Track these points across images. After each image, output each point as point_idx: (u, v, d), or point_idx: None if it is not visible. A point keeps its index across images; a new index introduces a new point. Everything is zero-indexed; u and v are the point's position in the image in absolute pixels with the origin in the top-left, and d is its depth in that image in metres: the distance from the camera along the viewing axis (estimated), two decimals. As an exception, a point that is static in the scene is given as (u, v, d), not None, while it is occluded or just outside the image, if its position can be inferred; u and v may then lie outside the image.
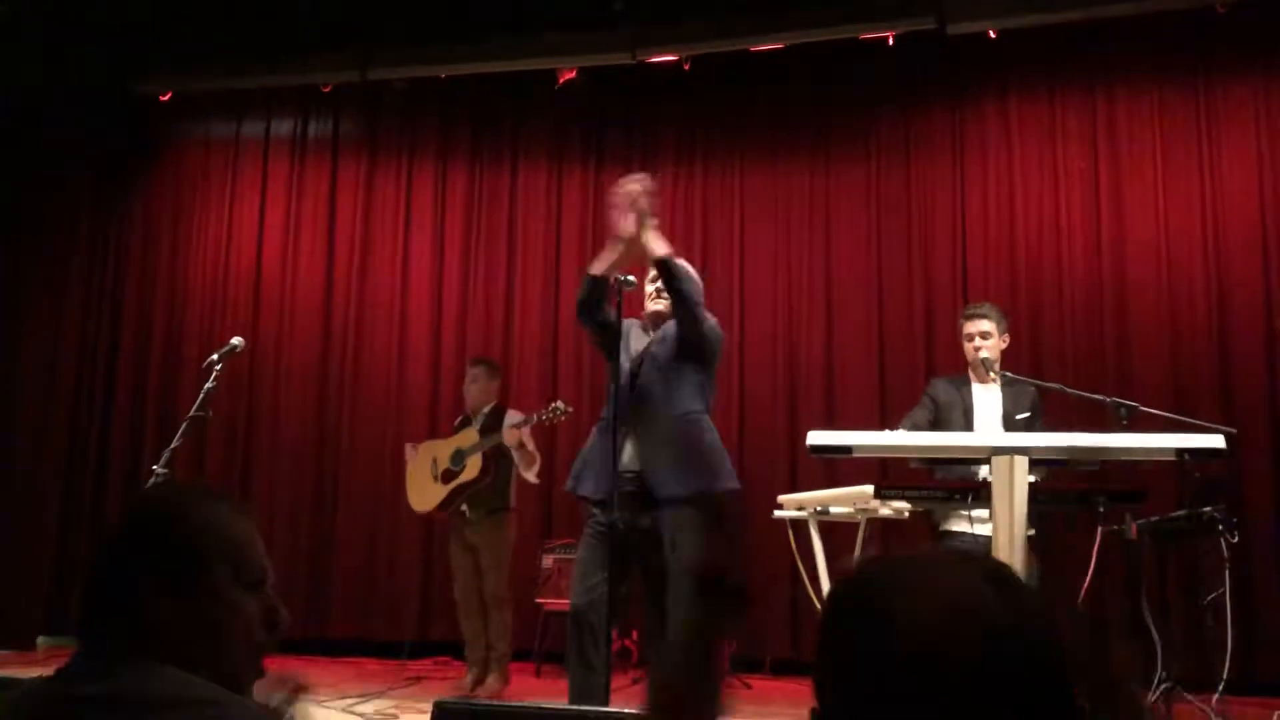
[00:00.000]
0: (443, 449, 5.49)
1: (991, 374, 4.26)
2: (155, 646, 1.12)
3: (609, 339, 3.63)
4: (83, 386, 7.17)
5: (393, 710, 4.63)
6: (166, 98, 7.17)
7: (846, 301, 6.47)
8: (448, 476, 5.38)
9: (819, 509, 4.17)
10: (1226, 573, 4.13)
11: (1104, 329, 6.00)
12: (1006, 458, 3.18)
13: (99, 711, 1.07)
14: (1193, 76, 6.07)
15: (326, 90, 7.05)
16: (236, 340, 4.09)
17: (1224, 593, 4.11)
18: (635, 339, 3.67)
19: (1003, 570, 0.86)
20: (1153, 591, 4.24)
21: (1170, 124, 6.08)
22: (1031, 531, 3.85)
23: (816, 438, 3.38)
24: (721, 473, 3.52)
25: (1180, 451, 3.21)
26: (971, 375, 4.37)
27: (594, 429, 3.71)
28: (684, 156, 6.89)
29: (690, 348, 3.55)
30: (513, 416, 5.43)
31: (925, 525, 4.66)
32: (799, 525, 4.32)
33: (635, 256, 3.66)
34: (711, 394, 3.68)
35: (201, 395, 3.73)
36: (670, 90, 6.73)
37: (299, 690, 1.40)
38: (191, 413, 3.69)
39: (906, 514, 4.15)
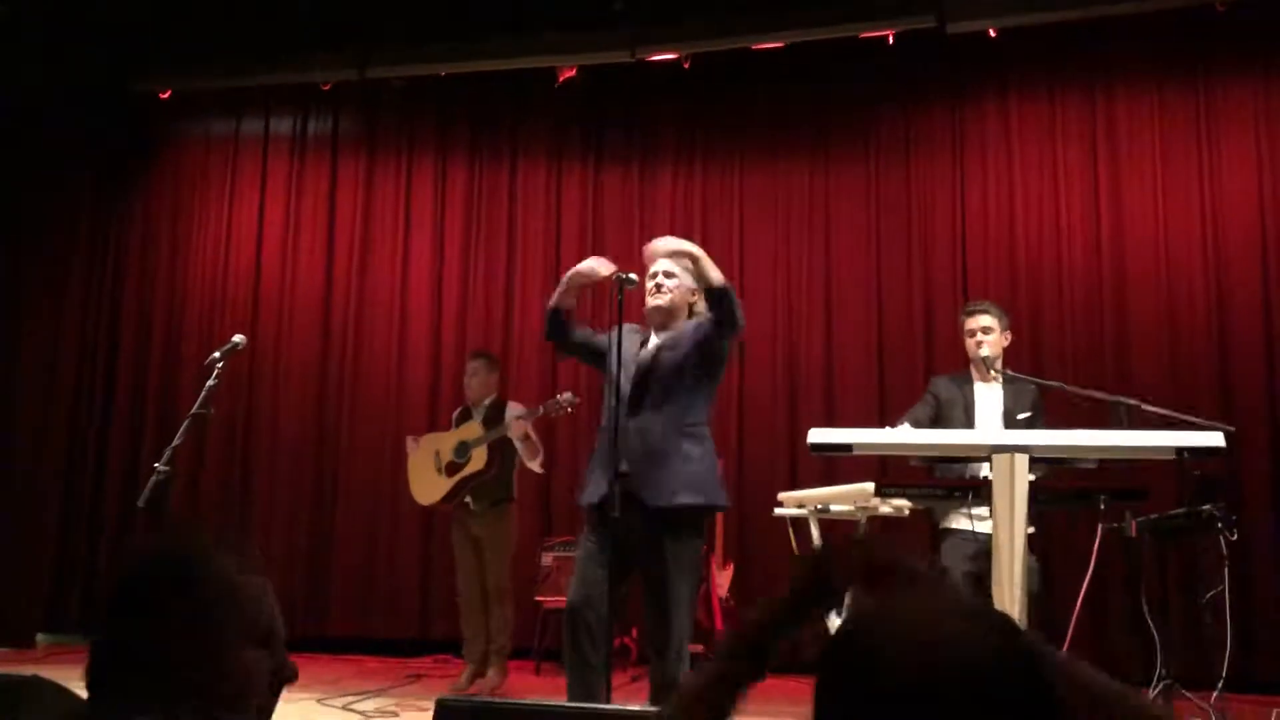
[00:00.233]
0: (445, 441, 5.51)
1: (993, 372, 4.27)
2: (160, 701, 1.12)
3: (587, 354, 3.68)
4: (82, 385, 7.17)
5: (393, 708, 4.64)
6: (166, 96, 7.17)
7: (846, 300, 6.48)
8: (452, 469, 5.40)
9: (819, 507, 4.17)
10: (1225, 570, 4.13)
11: (1103, 327, 6.01)
12: (1007, 456, 3.19)
13: None
14: (1192, 75, 6.08)
15: (326, 89, 7.05)
16: (238, 338, 4.09)
17: (1223, 590, 4.11)
18: (630, 342, 3.60)
19: (995, 615, 0.87)
20: (1152, 589, 4.25)
21: (1170, 123, 6.09)
22: (1032, 530, 3.86)
23: (817, 435, 3.38)
24: (709, 490, 3.47)
25: (1179, 449, 3.20)
26: (973, 373, 4.38)
27: (597, 432, 3.68)
28: (683, 155, 6.89)
29: (711, 363, 3.54)
30: (514, 408, 5.46)
31: (926, 523, 4.67)
32: (799, 523, 4.33)
33: (584, 289, 3.70)
34: (713, 404, 3.67)
35: (203, 393, 3.72)
36: (670, 89, 6.73)
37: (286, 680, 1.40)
38: (194, 410, 3.69)
39: (907, 512, 4.15)
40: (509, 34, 6.48)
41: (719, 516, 5.76)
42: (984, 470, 3.45)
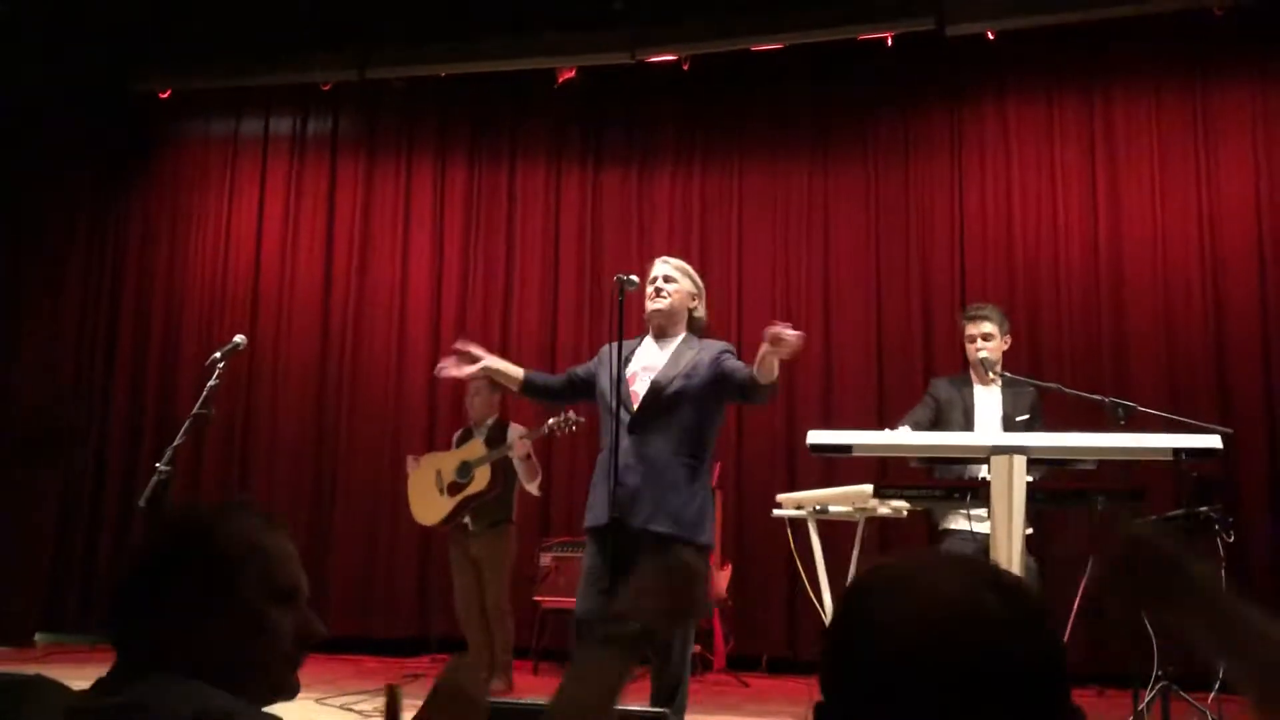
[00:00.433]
0: (447, 461, 5.48)
1: (991, 374, 4.28)
2: (183, 659, 1.13)
3: (578, 395, 3.79)
4: (81, 385, 7.18)
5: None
6: (166, 96, 7.19)
7: (845, 301, 6.49)
8: (454, 489, 5.37)
9: (818, 508, 4.17)
10: (1222, 572, 4.14)
11: (1101, 329, 6.03)
12: (1005, 457, 3.20)
13: None
14: (1190, 78, 6.10)
15: (326, 89, 7.06)
16: (239, 338, 4.09)
17: (1220, 592, 4.12)
18: (648, 352, 3.59)
19: (1000, 574, 0.87)
20: (1149, 590, 4.25)
21: (1167, 125, 6.11)
22: (1030, 530, 3.87)
23: (817, 437, 3.39)
24: (700, 528, 3.43)
25: (1177, 451, 3.22)
26: (972, 375, 4.39)
27: (598, 458, 3.63)
28: (683, 156, 6.90)
29: (722, 402, 3.57)
30: (517, 429, 5.44)
31: (925, 524, 4.68)
32: (797, 524, 4.33)
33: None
34: (717, 437, 3.65)
35: (204, 393, 3.73)
36: (669, 90, 6.75)
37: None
38: (195, 410, 3.70)
39: (905, 513, 4.16)
40: (508, 35, 6.49)
41: (718, 517, 5.77)
42: (983, 472, 3.46)
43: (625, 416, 3.46)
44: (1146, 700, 3.85)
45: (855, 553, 4.13)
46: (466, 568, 5.41)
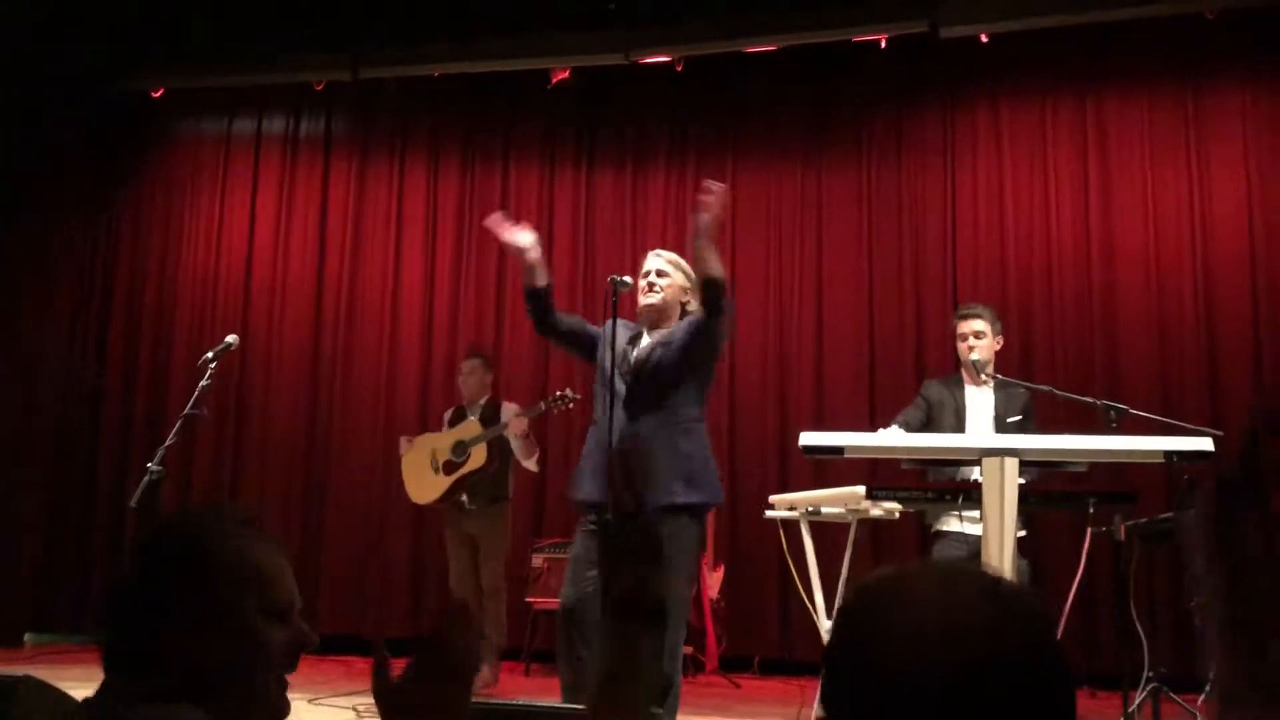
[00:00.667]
0: (441, 441, 5.51)
1: (984, 376, 4.28)
2: (176, 683, 1.10)
3: (576, 345, 3.69)
4: (71, 384, 7.15)
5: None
6: (158, 94, 7.16)
7: (837, 302, 6.50)
8: (450, 468, 5.41)
9: (810, 509, 4.18)
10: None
11: (1093, 331, 6.04)
12: (997, 459, 3.20)
13: None
14: (1181, 82, 6.12)
15: (319, 88, 7.04)
16: (231, 338, 4.09)
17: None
18: (625, 338, 3.62)
19: (1001, 583, 0.86)
20: (1141, 592, 4.27)
21: (1159, 128, 6.13)
22: (1023, 533, 3.88)
23: (809, 438, 3.39)
24: (706, 486, 3.48)
25: (1168, 454, 3.23)
26: (965, 377, 4.39)
27: (589, 430, 3.70)
28: (676, 157, 6.90)
29: (700, 356, 3.55)
30: (511, 407, 5.47)
31: (917, 526, 4.69)
32: (790, 526, 4.34)
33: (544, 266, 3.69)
34: (707, 396, 3.68)
35: (196, 393, 3.72)
36: (663, 91, 6.75)
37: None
38: (186, 410, 3.69)
39: (898, 514, 4.17)
40: (502, 35, 6.48)
41: (711, 518, 5.78)
42: (975, 474, 3.47)
43: (621, 389, 3.48)
44: (1137, 702, 3.86)
45: (848, 554, 4.14)
46: (462, 548, 5.45)
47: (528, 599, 5.98)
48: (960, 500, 3.55)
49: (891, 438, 3.75)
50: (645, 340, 3.63)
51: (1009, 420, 4.22)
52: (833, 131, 6.71)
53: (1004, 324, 4.61)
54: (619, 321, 3.64)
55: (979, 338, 4.33)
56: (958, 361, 4.47)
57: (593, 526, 3.44)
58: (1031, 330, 6.12)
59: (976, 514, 3.45)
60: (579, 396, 5.20)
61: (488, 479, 5.39)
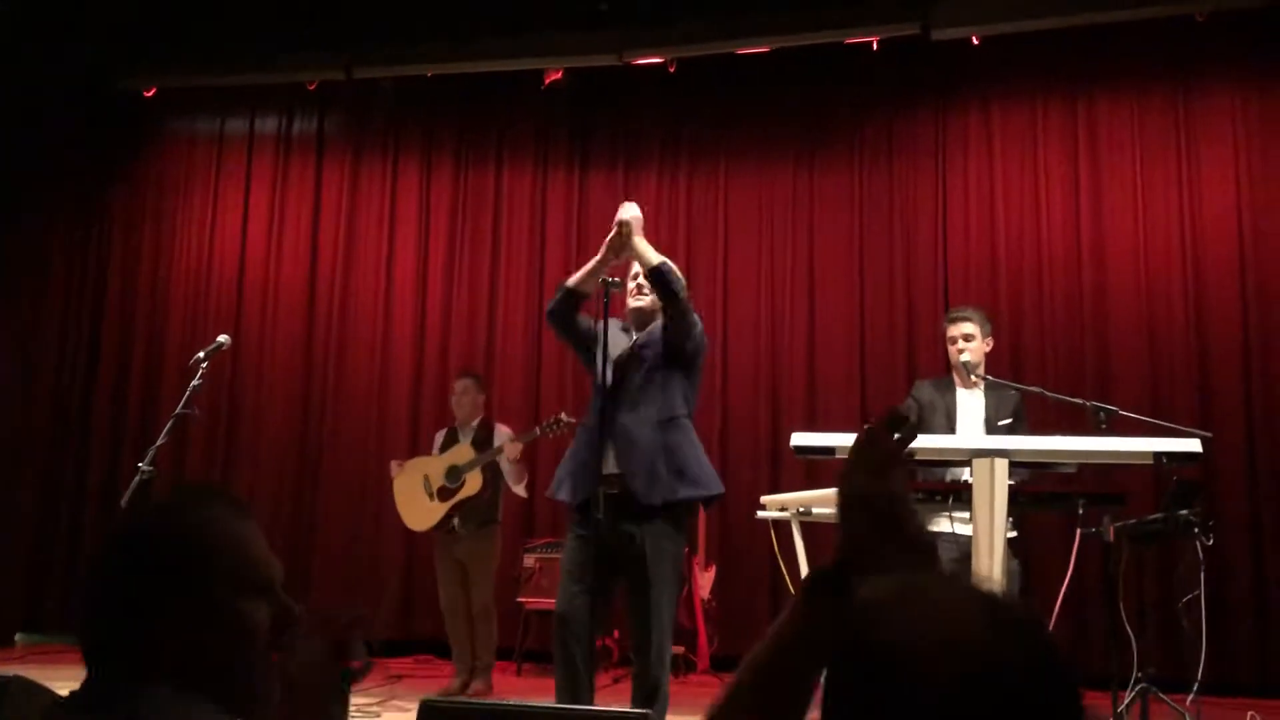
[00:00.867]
0: (434, 466, 5.44)
1: (974, 377, 4.29)
2: (161, 669, 1.06)
3: (581, 345, 3.66)
4: (63, 384, 7.13)
5: (375, 708, 4.63)
6: (151, 94, 7.15)
7: (829, 303, 6.51)
8: (445, 494, 5.35)
9: (801, 510, 4.18)
10: (1202, 575, 4.17)
11: (1083, 333, 6.06)
12: (987, 460, 3.21)
13: None
14: (1172, 84, 6.14)
15: (312, 88, 7.04)
16: (223, 338, 4.08)
17: (1199, 595, 4.15)
18: (616, 338, 3.63)
19: (999, 596, 0.85)
20: (1130, 593, 4.29)
21: (1150, 130, 6.15)
22: (1014, 534, 3.89)
23: (800, 439, 3.40)
24: (701, 480, 3.50)
25: (1157, 455, 3.24)
26: (955, 379, 4.40)
27: (578, 429, 3.71)
28: (669, 158, 6.91)
29: (678, 351, 3.56)
30: (503, 432, 5.43)
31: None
32: (781, 526, 4.34)
33: (618, 267, 3.67)
34: (695, 396, 3.69)
35: (188, 393, 3.72)
36: (656, 92, 6.75)
37: (353, 630, 1.30)
38: (178, 410, 3.68)
39: (888, 515, 4.16)
40: (496, 36, 6.48)
41: (701, 519, 5.79)
42: (965, 474, 3.48)
43: (609, 384, 3.49)
44: (1126, 702, 3.87)
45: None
46: (453, 573, 5.39)
47: (519, 599, 5.98)
48: (950, 501, 3.56)
49: (883, 439, 3.75)
50: (633, 338, 3.66)
51: (1000, 422, 4.23)
52: (824, 133, 6.72)
53: (994, 325, 4.62)
54: (617, 322, 3.67)
55: (969, 340, 4.34)
56: (948, 364, 4.48)
57: (583, 532, 3.44)
58: (1022, 331, 6.14)
59: (967, 515, 3.46)
60: (573, 420, 5.14)
61: (479, 504, 5.34)
